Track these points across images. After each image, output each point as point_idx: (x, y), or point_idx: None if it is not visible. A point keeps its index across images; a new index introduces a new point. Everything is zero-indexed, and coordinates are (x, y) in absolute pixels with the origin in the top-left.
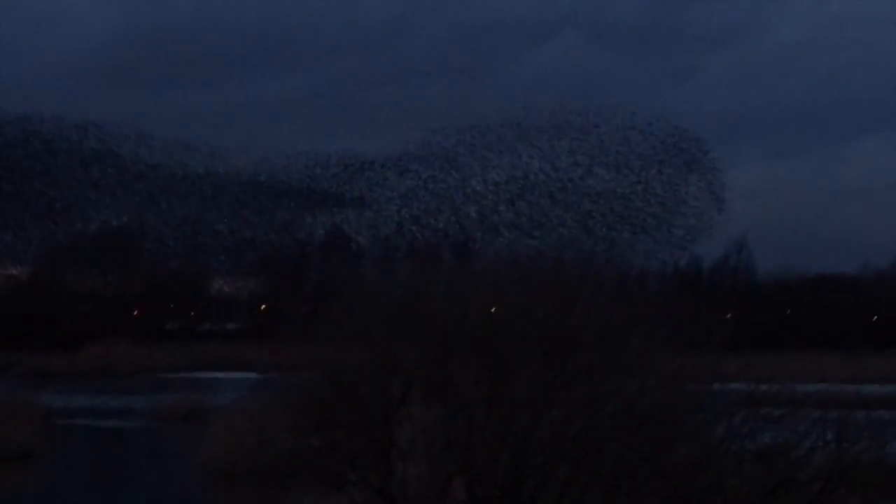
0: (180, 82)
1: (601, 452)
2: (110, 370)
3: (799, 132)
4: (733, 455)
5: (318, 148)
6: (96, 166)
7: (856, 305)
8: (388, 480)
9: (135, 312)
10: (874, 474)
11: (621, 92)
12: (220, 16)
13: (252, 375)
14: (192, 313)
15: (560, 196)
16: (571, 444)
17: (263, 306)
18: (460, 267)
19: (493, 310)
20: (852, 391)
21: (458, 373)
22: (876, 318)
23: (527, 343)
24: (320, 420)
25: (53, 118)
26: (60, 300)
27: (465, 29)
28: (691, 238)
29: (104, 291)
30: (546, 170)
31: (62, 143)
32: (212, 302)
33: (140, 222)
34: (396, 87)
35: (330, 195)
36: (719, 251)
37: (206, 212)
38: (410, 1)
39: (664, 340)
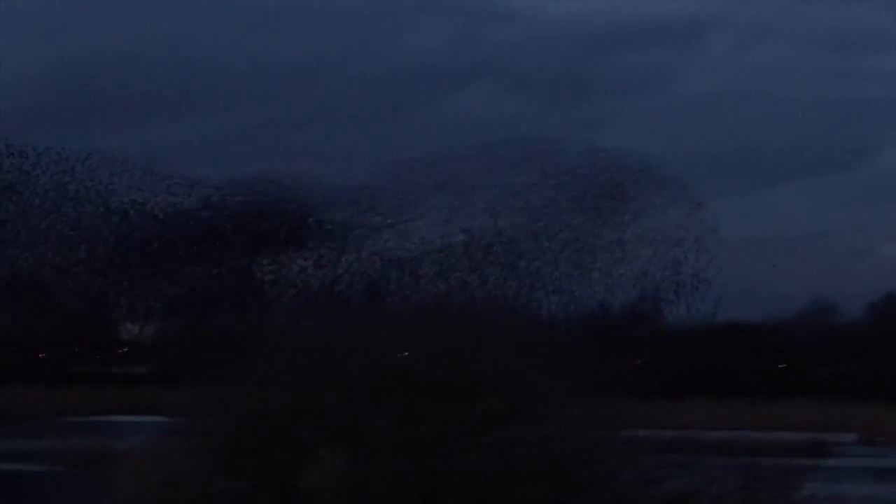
0: (103, 122)
1: (509, 499)
2: (15, 414)
3: (712, 181)
4: (642, 502)
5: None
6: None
7: (763, 353)
8: None
9: (41, 355)
10: None
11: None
12: (145, 56)
13: (161, 419)
14: (101, 356)
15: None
16: (480, 491)
17: (173, 350)
18: (371, 312)
19: (402, 355)
20: (759, 438)
21: (367, 419)
22: (782, 365)
23: (435, 389)
24: (228, 465)
25: None
26: None
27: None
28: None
29: (10, 334)
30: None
31: None
32: (121, 345)
33: (50, 262)
34: (316, 130)
35: (243, 238)
36: (631, 297)
37: (118, 253)
38: (330, 46)
39: (573, 387)
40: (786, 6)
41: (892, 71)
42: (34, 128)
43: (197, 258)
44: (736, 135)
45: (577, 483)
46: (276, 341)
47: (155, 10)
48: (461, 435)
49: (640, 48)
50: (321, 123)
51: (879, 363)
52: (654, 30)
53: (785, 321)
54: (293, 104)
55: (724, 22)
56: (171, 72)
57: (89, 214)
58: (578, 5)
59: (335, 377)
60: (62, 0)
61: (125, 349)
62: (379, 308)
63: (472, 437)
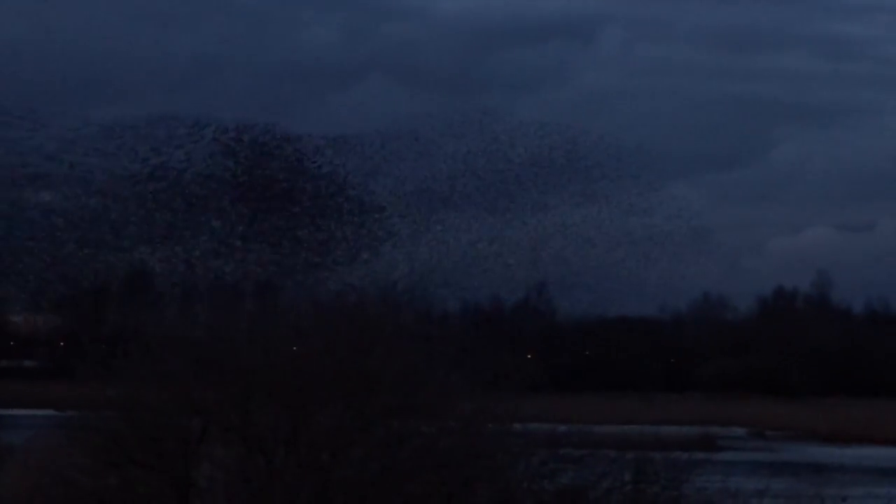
0: None
1: (401, 494)
2: None
3: (603, 178)
4: (533, 496)
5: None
6: None
7: (654, 348)
8: None
9: None
10: None
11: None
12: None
13: (51, 413)
14: None
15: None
16: (371, 486)
17: (63, 344)
18: (262, 307)
19: (293, 350)
20: (650, 432)
21: (258, 413)
22: (673, 360)
23: (327, 384)
24: (118, 459)
25: None
26: None
27: (269, 70)
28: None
29: None
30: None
31: None
32: (9, 338)
33: None
34: (209, 121)
35: (134, 231)
36: (521, 292)
37: (5, 244)
38: (225, 40)
39: (464, 381)
40: (680, 4)
41: (784, 70)
42: None
43: (89, 253)
44: (629, 131)
45: (468, 477)
46: (167, 335)
47: (56, 2)
48: (352, 429)
49: (535, 44)
50: (215, 115)
51: (768, 358)
52: (548, 26)
53: (676, 316)
54: (188, 97)
55: (618, 19)
56: (61, 65)
57: None
58: (472, 1)
59: (226, 371)
60: None
61: (12, 342)
62: (272, 303)
63: (363, 431)
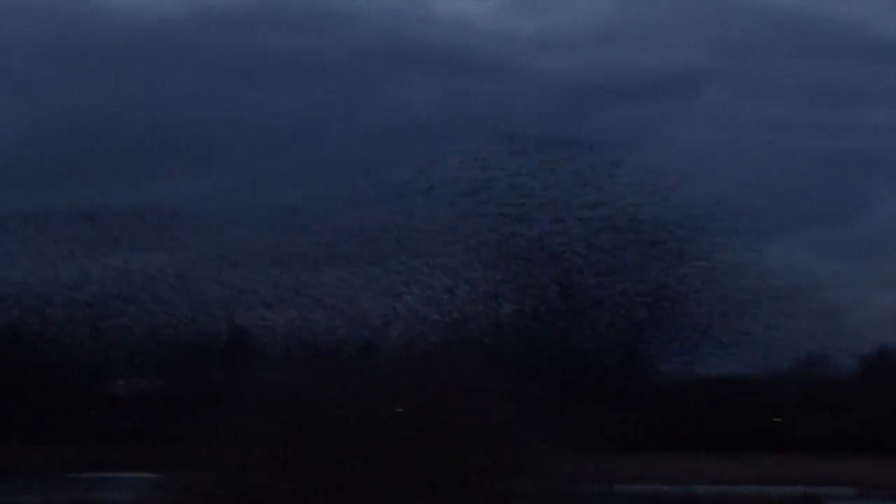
0: (88, 179)
1: None
2: (5, 470)
3: (701, 236)
4: None
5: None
6: None
7: (754, 407)
8: None
9: (30, 411)
10: None
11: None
12: (134, 113)
13: (149, 476)
14: (89, 412)
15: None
16: None
17: (161, 405)
18: (358, 369)
19: (389, 410)
20: (753, 492)
21: (355, 474)
22: (775, 419)
23: (423, 443)
24: None
25: None
26: None
27: (370, 130)
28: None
29: None
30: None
31: None
32: (109, 400)
33: (36, 316)
34: (303, 189)
35: (235, 293)
36: (621, 351)
37: (107, 307)
38: (316, 104)
39: (562, 441)
40: (780, 61)
41: (885, 125)
42: (21, 186)
43: (188, 315)
44: (728, 188)
45: None
46: (261, 396)
47: (143, 67)
48: (450, 490)
49: (634, 102)
50: (310, 180)
51: (872, 416)
52: (648, 84)
53: (776, 375)
54: (280, 161)
55: (719, 76)
56: (159, 129)
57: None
58: (569, 60)
59: (319, 432)
60: (48, 58)
61: (112, 404)
62: (364, 363)
63: (461, 491)
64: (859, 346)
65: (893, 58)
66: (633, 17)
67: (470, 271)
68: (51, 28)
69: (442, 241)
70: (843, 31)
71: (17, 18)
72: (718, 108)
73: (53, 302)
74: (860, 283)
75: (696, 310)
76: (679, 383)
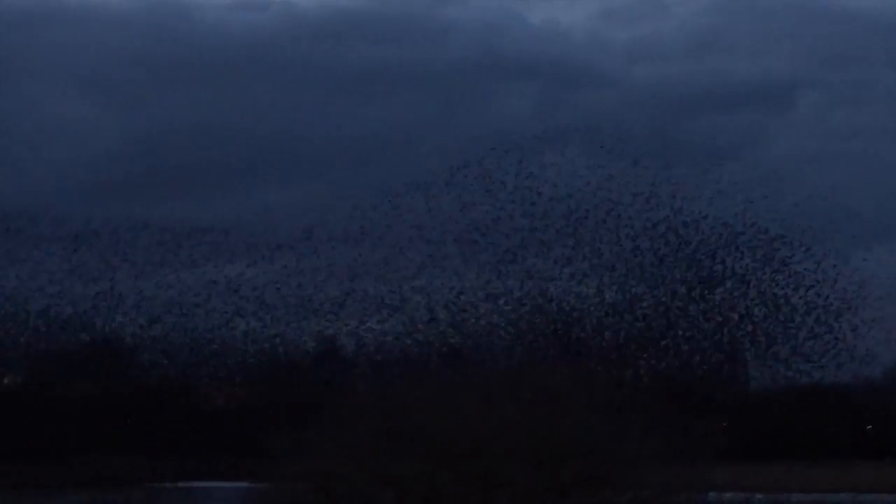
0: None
1: None
2: (101, 480)
3: (797, 244)
4: None
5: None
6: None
7: (848, 415)
8: None
9: (125, 422)
10: None
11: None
12: (227, 126)
13: (243, 485)
14: (181, 423)
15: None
16: None
17: (255, 417)
18: (450, 378)
19: (484, 420)
20: (848, 501)
21: (450, 484)
22: (869, 427)
23: (517, 454)
24: None
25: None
26: (51, 409)
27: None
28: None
29: (94, 401)
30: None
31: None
32: (202, 411)
33: (131, 330)
34: (400, 199)
35: (326, 304)
36: (713, 360)
37: (201, 320)
38: (413, 114)
39: (655, 450)
40: (877, 68)
41: None
42: (119, 198)
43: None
44: (824, 197)
45: None
46: (354, 407)
47: (236, 81)
48: (545, 500)
49: (731, 111)
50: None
51: None
52: (744, 92)
53: (870, 383)
54: (378, 172)
55: (815, 84)
56: (256, 142)
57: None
58: (665, 69)
59: (417, 442)
60: (144, 72)
61: (208, 415)
62: (459, 373)
63: (553, 501)
64: None
65: None
66: (728, 25)
67: (565, 279)
68: (149, 43)
69: (535, 251)
70: None
71: (116, 33)
72: (814, 116)
73: (149, 315)
74: None
75: (788, 318)
76: (773, 392)
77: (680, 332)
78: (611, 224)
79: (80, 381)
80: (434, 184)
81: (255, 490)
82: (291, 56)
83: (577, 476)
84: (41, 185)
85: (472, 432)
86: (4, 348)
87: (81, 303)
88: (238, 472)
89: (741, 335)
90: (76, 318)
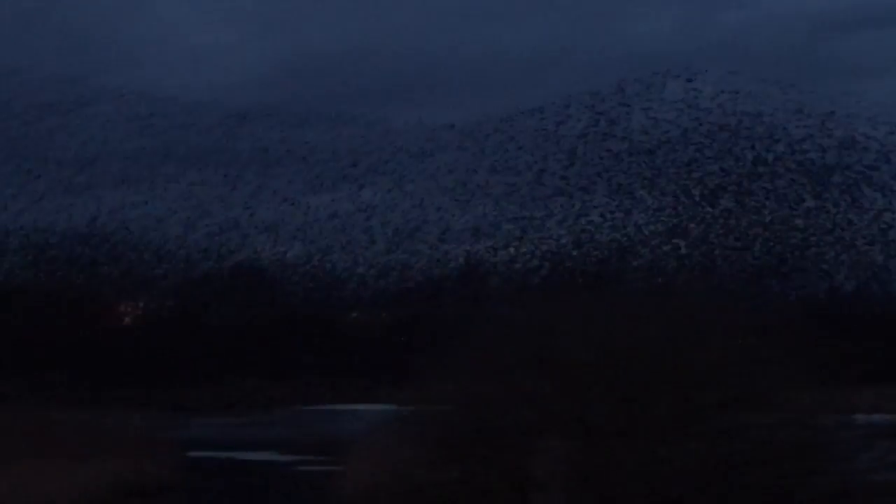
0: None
1: (738, 485)
2: (247, 403)
3: None
4: (873, 488)
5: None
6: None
7: None
8: None
9: (270, 346)
10: None
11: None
12: (376, 49)
13: (386, 408)
14: (327, 346)
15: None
16: (709, 477)
17: (399, 340)
18: (595, 301)
19: (629, 342)
20: None
21: (595, 405)
22: None
23: (663, 375)
24: (456, 453)
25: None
26: (198, 334)
27: (606, 60)
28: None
29: (240, 325)
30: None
31: None
32: (346, 334)
33: (274, 255)
34: (540, 118)
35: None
36: (858, 281)
37: (341, 245)
38: (548, 37)
39: (800, 373)
40: None
41: None
42: (258, 125)
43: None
44: None
45: (805, 469)
46: (497, 329)
47: (385, 3)
48: (689, 421)
49: (880, 27)
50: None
51: None
52: (891, 9)
53: None
54: (522, 92)
55: None
56: (402, 64)
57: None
58: None
59: (563, 364)
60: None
61: (351, 339)
62: (601, 297)
63: (700, 423)
64: None
65: None
66: None
67: (698, 206)
68: None
69: (670, 175)
70: None
71: None
72: None
73: (290, 240)
74: None
75: None
76: None
77: (824, 255)
78: (749, 146)
79: (225, 307)
80: (583, 105)
81: (400, 412)
82: None
83: (721, 398)
84: (187, 113)
85: (615, 355)
86: (153, 276)
87: (223, 231)
88: (383, 394)
89: (889, 256)
90: (219, 246)
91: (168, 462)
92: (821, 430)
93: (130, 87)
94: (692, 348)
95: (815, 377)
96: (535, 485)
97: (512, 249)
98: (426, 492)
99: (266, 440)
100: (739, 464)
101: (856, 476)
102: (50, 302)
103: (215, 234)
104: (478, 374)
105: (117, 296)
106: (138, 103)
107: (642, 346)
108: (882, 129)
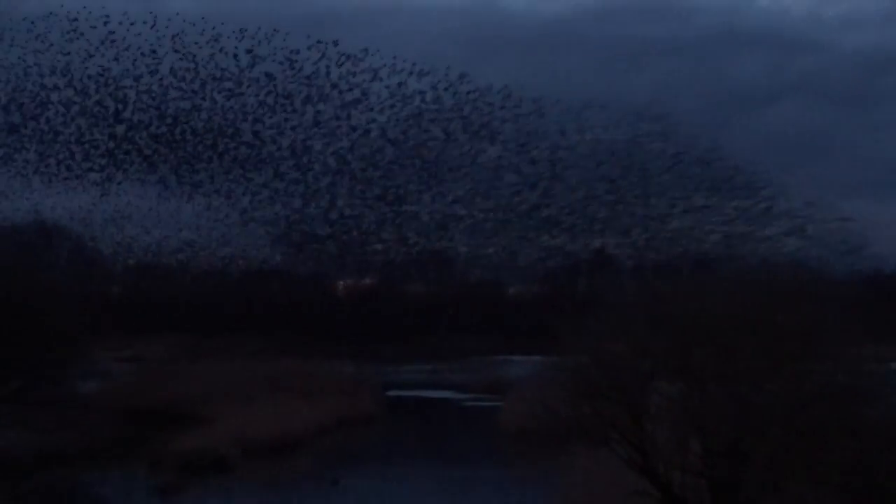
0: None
1: (805, 418)
2: (436, 355)
3: None
4: None
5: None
6: None
7: None
8: (641, 438)
9: (451, 312)
10: None
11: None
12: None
13: (538, 359)
14: (494, 312)
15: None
16: (782, 411)
17: (548, 307)
18: (696, 277)
19: (724, 308)
20: None
21: (696, 356)
22: None
23: (748, 333)
24: (590, 392)
25: None
26: (398, 303)
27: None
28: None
29: (428, 297)
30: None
31: None
32: (508, 304)
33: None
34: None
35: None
36: None
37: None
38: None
39: (856, 332)
40: None
41: None
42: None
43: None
44: None
45: (858, 405)
46: (627, 300)
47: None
48: (767, 369)
49: None
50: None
51: None
52: None
53: None
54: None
55: None
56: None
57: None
58: (875, 36)
59: (672, 325)
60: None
61: (513, 305)
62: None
63: (775, 370)
64: None
65: None
66: None
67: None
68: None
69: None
70: None
71: (445, 20)
72: None
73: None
74: None
75: None
76: None
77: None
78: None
79: (417, 282)
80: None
81: (549, 362)
82: (574, 34)
83: (793, 350)
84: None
85: (714, 318)
86: (364, 256)
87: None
88: (536, 349)
89: None
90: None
91: (373, 399)
92: (870, 376)
93: None
94: (771, 312)
95: (867, 335)
96: (648, 417)
97: (635, 241)
98: (566, 422)
99: (446, 382)
100: (806, 401)
101: (894, 411)
102: (294, 280)
103: (408, 223)
104: (608, 333)
105: (336, 275)
106: None
107: (734, 311)
108: None
